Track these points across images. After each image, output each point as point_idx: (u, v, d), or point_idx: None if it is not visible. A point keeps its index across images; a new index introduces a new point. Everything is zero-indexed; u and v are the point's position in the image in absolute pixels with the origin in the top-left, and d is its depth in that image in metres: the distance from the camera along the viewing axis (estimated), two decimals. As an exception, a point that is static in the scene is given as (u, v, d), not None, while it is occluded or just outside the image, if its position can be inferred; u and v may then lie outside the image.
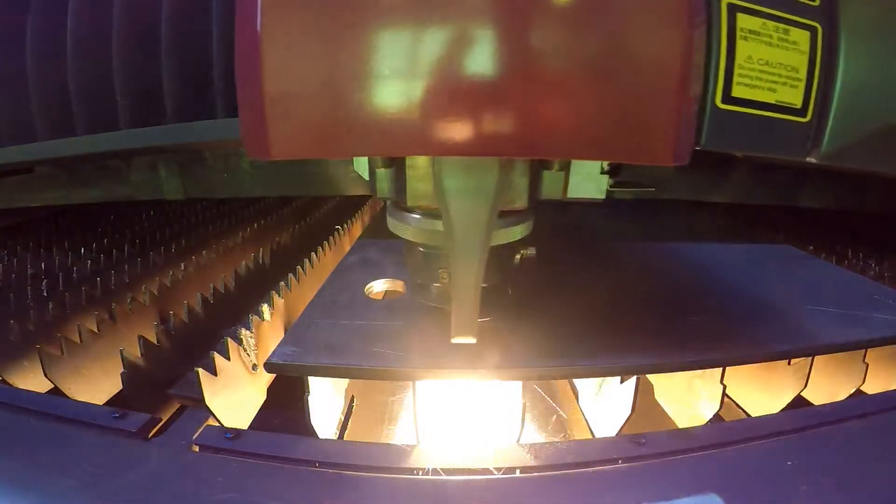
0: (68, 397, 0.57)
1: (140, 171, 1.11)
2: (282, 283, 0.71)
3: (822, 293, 0.66)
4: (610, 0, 0.29)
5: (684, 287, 0.68)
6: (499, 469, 0.43)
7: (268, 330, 0.62)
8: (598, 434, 0.55)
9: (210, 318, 0.72)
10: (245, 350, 0.58)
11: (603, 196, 0.45)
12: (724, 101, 0.41)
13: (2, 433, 0.48)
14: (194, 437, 0.46)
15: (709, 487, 0.40)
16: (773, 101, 0.42)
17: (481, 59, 0.29)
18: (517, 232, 0.44)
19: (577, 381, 0.63)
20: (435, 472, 0.43)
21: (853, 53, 0.44)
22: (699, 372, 0.54)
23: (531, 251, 0.49)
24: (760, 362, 0.55)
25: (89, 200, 1.07)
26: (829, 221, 1.20)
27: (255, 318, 0.60)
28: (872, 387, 0.58)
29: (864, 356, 0.57)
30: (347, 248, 0.95)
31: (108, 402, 0.59)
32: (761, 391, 0.60)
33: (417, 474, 0.42)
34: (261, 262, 0.92)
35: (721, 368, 0.52)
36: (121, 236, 1.04)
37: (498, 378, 0.48)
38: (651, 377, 0.63)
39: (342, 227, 1.04)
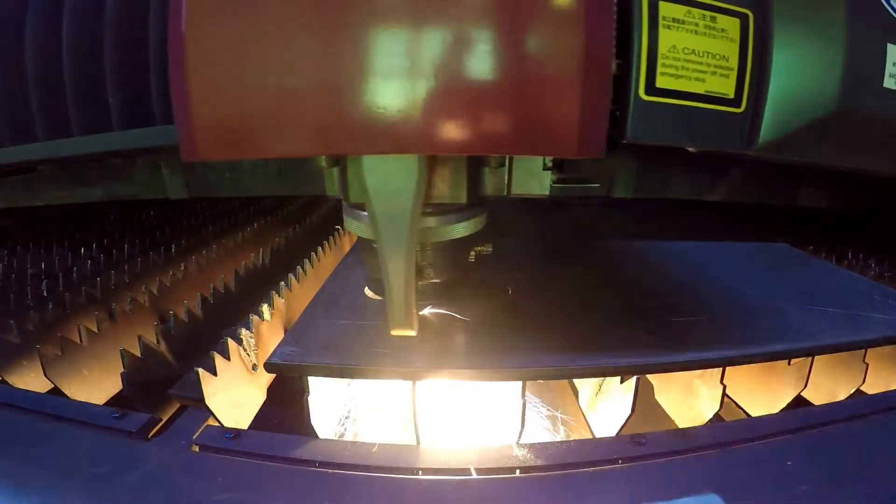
0: (68, 397, 0.57)
1: (143, 170, 1.11)
2: (282, 283, 0.71)
3: (822, 293, 0.66)
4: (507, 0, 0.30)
5: (684, 286, 0.68)
6: (499, 469, 0.43)
7: (268, 330, 0.62)
8: (598, 434, 0.55)
9: (210, 318, 0.72)
10: (245, 350, 0.58)
11: (546, 192, 0.45)
12: (647, 93, 0.40)
13: (2, 433, 0.48)
14: (194, 437, 0.46)
15: (709, 487, 0.40)
16: (703, 92, 0.41)
17: (385, 62, 0.30)
18: (461, 228, 0.43)
19: (576, 381, 0.63)
20: (435, 472, 0.43)
21: (787, 39, 0.42)
22: (699, 372, 0.54)
23: (488, 248, 0.49)
24: (760, 362, 0.55)
25: (92, 200, 1.07)
26: (828, 222, 1.20)
27: (255, 318, 0.60)
28: (872, 387, 0.58)
29: (864, 356, 0.57)
30: (347, 248, 0.95)
31: (108, 402, 0.59)
32: (761, 391, 0.60)
33: (417, 474, 0.43)
34: (261, 262, 0.92)
35: (721, 368, 0.52)
36: (121, 236, 1.04)
37: (498, 378, 0.48)
38: (651, 377, 0.63)
39: (342, 227, 1.04)
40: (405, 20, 0.29)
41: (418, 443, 0.47)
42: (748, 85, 0.42)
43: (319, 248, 0.88)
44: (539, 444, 0.46)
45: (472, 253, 0.49)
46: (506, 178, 0.43)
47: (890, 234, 1.03)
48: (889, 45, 0.44)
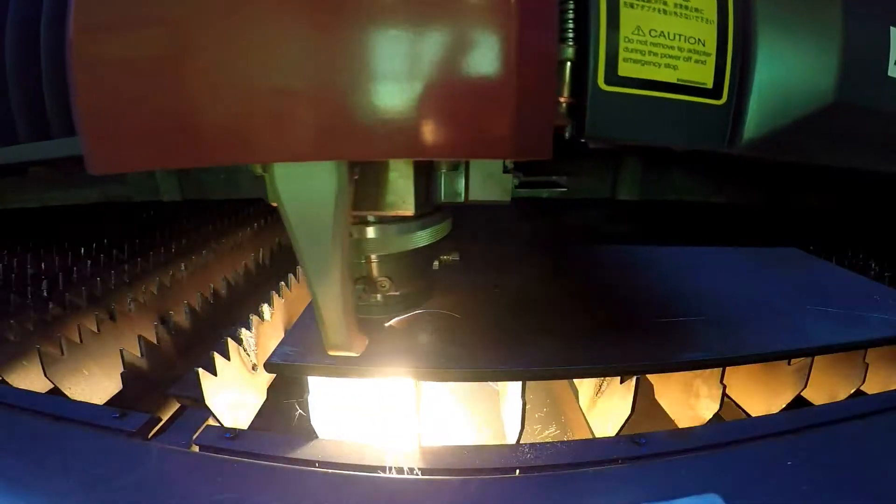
0: (68, 397, 0.57)
1: (137, 172, 1.11)
2: (282, 283, 0.71)
3: (822, 293, 0.66)
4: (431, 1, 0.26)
5: (687, 289, 0.68)
6: (499, 469, 0.43)
7: (268, 330, 0.62)
8: (598, 434, 0.55)
9: (210, 318, 0.72)
10: (245, 350, 0.58)
11: (509, 197, 0.39)
12: (608, 82, 0.34)
13: (2, 433, 0.48)
14: (194, 437, 0.46)
15: (709, 487, 0.40)
16: (675, 80, 0.35)
17: (291, 65, 0.27)
18: (417, 239, 0.38)
19: (576, 381, 0.63)
20: (435, 472, 0.43)
21: (774, 21, 0.36)
22: (699, 372, 0.54)
23: (454, 256, 0.46)
24: (760, 362, 0.55)
25: (86, 201, 1.07)
26: (828, 221, 1.20)
27: (255, 318, 0.60)
28: (872, 387, 0.58)
29: (864, 356, 0.57)
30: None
31: (108, 402, 0.59)
32: (761, 391, 0.60)
33: (417, 474, 0.43)
34: (261, 262, 0.92)
35: (721, 368, 0.52)
36: (121, 236, 1.04)
37: (498, 379, 0.48)
38: (651, 377, 0.63)
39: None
40: (334, 26, 0.26)
41: (418, 443, 0.47)
42: (729, 73, 0.36)
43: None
44: (539, 444, 0.46)
45: (437, 262, 0.46)
46: (463, 182, 0.39)
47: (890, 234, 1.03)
48: (893, 29, 0.38)
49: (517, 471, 0.43)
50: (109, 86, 0.29)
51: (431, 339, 0.48)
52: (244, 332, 0.58)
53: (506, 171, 0.39)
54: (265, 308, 0.63)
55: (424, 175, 0.36)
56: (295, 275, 0.74)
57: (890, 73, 0.38)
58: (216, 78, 0.27)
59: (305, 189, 0.30)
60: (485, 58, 0.26)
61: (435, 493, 0.41)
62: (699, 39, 0.35)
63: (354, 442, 0.47)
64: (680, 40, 0.35)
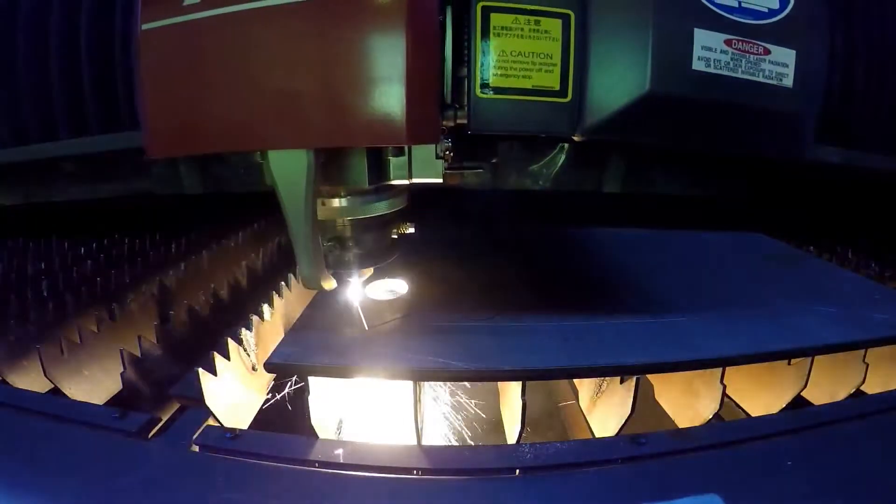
0: (68, 397, 0.57)
1: (160, 166, 1.14)
2: (282, 283, 0.71)
3: (822, 293, 0.66)
4: (341, 12, 0.38)
5: (676, 284, 0.68)
6: (499, 469, 0.43)
7: (268, 330, 0.62)
8: (598, 434, 0.55)
9: (210, 318, 0.72)
10: (245, 350, 0.58)
11: (440, 179, 0.51)
12: (482, 91, 0.47)
13: (2, 433, 0.48)
14: (194, 437, 0.46)
15: (709, 487, 0.40)
16: (531, 87, 0.48)
17: (253, 89, 0.41)
18: (374, 208, 0.51)
19: (576, 381, 0.63)
20: (434, 472, 0.43)
21: (603, 33, 0.48)
22: (699, 372, 0.54)
23: (409, 227, 0.57)
24: (760, 362, 0.55)
25: (110, 195, 1.10)
26: (827, 221, 1.20)
27: (255, 318, 0.60)
28: (872, 387, 0.58)
29: (864, 356, 0.57)
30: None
31: (108, 402, 0.59)
32: (761, 391, 0.60)
33: (417, 474, 0.43)
34: (261, 262, 0.92)
35: (721, 368, 0.52)
36: (121, 236, 1.04)
37: (498, 379, 0.48)
38: (651, 377, 0.63)
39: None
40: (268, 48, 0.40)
41: (418, 443, 0.47)
42: (572, 77, 0.48)
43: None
44: (539, 444, 0.46)
45: (394, 230, 0.56)
46: (407, 166, 0.51)
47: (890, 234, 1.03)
48: (696, 30, 0.48)
49: (517, 471, 0.43)
50: (170, 80, 0.43)
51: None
52: (244, 332, 0.58)
53: (437, 157, 0.50)
54: (265, 308, 0.63)
55: (376, 159, 0.49)
56: (295, 275, 0.74)
57: (694, 67, 0.49)
58: (244, 88, 0.42)
59: (287, 167, 0.44)
60: (392, 81, 0.40)
61: (435, 493, 0.41)
62: (548, 54, 0.47)
63: (354, 442, 0.47)
64: (533, 56, 0.47)
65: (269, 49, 0.40)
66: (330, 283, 0.50)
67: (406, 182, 0.52)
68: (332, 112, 0.41)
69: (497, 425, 0.61)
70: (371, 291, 0.59)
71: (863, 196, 1.10)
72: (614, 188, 1.14)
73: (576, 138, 0.51)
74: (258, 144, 0.44)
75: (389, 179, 0.51)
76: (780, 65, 0.51)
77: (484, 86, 0.47)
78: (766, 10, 0.50)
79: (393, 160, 0.50)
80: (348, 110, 0.40)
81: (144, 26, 0.42)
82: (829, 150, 0.86)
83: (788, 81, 0.52)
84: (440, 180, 0.51)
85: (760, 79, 0.51)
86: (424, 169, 0.51)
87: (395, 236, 0.57)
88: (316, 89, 0.40)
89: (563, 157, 1.16)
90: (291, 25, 0.39)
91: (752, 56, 0.50)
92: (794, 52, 0.51)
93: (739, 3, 0.50)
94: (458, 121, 0.50)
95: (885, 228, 1.07)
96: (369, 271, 0.55)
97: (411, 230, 0.57)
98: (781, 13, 0.51)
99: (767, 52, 0.50)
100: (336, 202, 0.50)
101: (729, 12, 0.49)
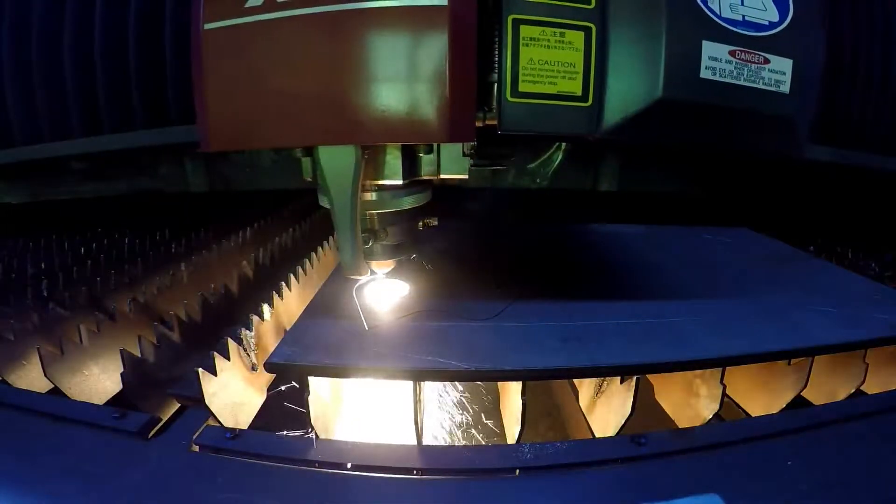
0: (68, 397, 0.57)
1: (167, 165, 1.15)
2: (282, 283, 0.71)
3: (822, 293, 0.66)
4: (389, 28, 0.44)
5: (677, 282, 0.68)
6: (499, 469, 0.43)
7: (268, 330, 0.62)
8: (598, 434, 0.55)
9: (210, 319, 0.72)
10: (245, 350, 0.58)
11: (466, 175, 0.56)
12: (512, 96, 0.52)
13: (2, 433, 0.48)
14: (194, 437, 0.46)
15: (709, 487, 0.40)
16: (555, 92, 0.52)
17: (315, 89, 0.46)
18: (404, 202, 0.55)
19: (576, 381, 0.63)
20: (434, 472, 0.43)
21: (620, 44, 0.53)
22: (699, 372, 0.54)
23: (433, 221, 0.61)
24: (760, 362, 0.55)
25: (116, 193, 1.11)
26: (827, 221, 1.20)
27: (255, 318, 0.60)
28: (872, 387, 0.58)
29: (864, 356, 0.57)
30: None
31: (108, 402, 0.59)
32: (761, 391, 0.60)
33: (417, 474, 0.43)
34: (261, 262, 0.91)
35: (721, 368, 0.52)
36: (121, 236, 1.04)
37: (498, 379, 0.48)
38: (651, 377, 0.63)
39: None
40: (328, 54, 0.44)
41: (418, 443, 0.47)
42: (592, 84, 0.53)
43: (319, 248, 0.88)
44: (539, 444, 0.46)
45: (420, 224, 0.60)
46: (437, 163, 0.55)
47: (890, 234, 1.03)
48: (704, 42, 0.53)
49: (517, 471, 0.43)
50: (230, 78, 0.46)
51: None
52: (244, 332, 0.58)
53: (464, 154, 0.55)
54: (265, 308, 0.63)
55: (410, 157, 0.53)
56: (295, 275, 0.74)
57: (702, 76, 0.54)
58: (301, 88, 0.46)
59: (337, 162, 0.48)
60: (436, 85, 0.45)
61: (435, 493, 0.41)
62: (571, 63, 0.52)
63: (354, 442, 0.47)
64: (558, 65, 0.52)
65: (327, 52, 0.44)
66: (366, 272, 0.54)
67: (434, 178, 0.56)
68: (381, 111, 0.45)
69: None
70: (371, 291, 0.59)
71: (862, 196, 1.11)
72: (610, 187, 1.17)
73: (595, 139, 0.55)
74: (312, 140, 0.48)
75: (420, 175, 0.55)
76: (778, 73, 0.55)
77: (514, 91, 0.51)
78: (767, 23, 0.54)
79: (423, 157, 0.54)
80: (397, 110, 0.45)
81: (207, 26, 0.45)
82: (821, 149, 0.92)
83: (786, 88, 0.56)
84: (466, 176, 0.56)
85: (760, 85, 0.55)
86: (452, 165, 0.55)
87: (421, 228, 0.61)
88: (369, 90, 0.44)
89: (560, 155, 1.17)
90: (351, 32, 0.43)
91: (753, 65, 0.55)
92: (791, 60, 0.55)
93: (743, 16, 0.54)
94: (487, 122, 0.54)
95: (886, 228, 1.07)
96: (391, 264, 0.58)
97: (435, 223, 0.61)
98: (780, 25, 0.55)
99: (767, 61, 0.55)
100: (374, 196, 0.53)
101: (733, 25, 0.54)
